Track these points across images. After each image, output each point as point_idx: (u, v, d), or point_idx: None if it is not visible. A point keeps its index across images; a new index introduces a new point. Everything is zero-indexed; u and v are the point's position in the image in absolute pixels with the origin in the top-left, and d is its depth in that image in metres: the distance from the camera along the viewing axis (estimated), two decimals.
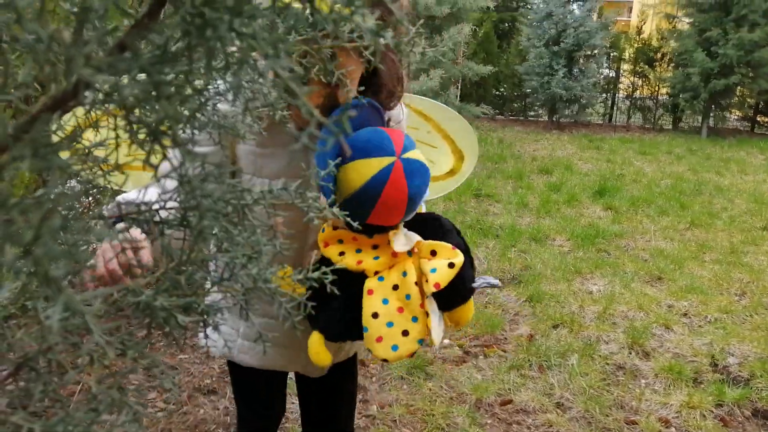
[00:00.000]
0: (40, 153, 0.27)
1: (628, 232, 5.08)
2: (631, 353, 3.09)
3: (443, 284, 1.14)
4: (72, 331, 0.53)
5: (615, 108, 12.58)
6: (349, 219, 1.10)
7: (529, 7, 13.49)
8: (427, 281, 1.16)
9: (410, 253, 1.20)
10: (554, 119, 11.41)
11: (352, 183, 1.12)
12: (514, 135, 10.27)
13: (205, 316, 0.60)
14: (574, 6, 11.08)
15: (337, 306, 1.19)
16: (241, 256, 0.63)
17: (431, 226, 1.27)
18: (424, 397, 2.63)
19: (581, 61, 11.03)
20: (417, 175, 1.15)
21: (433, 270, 1.15)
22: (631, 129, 11.89)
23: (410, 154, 1.15)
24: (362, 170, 1.12)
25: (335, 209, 0.79)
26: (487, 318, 3.34)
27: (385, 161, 1.12)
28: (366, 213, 1.15)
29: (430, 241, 1.21)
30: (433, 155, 1.91)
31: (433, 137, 1.95)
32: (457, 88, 8.94)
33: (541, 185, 6.61)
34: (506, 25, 13.65)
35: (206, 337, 0.66)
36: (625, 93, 12.63)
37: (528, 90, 11.38)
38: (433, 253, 1.20)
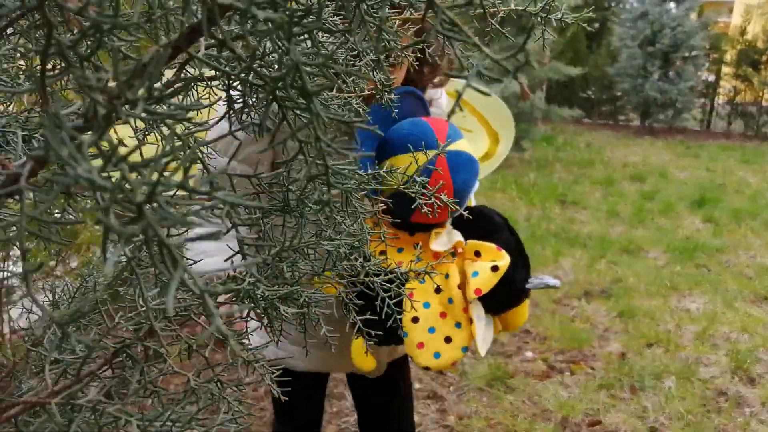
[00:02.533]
0: (153, 98, 0.22)
1: (730, 247, 4.69)
2: (734, 378, 2.82)
3: (485, 289, 1.06)
4: (171, 319, 0.49)
5: (714, 114, 11.77)
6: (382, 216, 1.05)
7: (622, 5, 12.89)
8: (469, 285, 1.07)
9: (454, 253, 1.12)
10: (647, 124, 10.82)
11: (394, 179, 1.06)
12: (603, 139, 9.81)
13: (306, 308, 0.55)
14: (671, 5, 10.48)
15: (378, 308, 1.12)
16: (345, 245, 0.58)
17: (480, 222, 1.18)
18: (504, 411, 2.51)
19: (678, 63, 10.40)
20: (463, 168, 1.07)
21: (475, 274, 1.07)
22: (732, 136, 11.07)
23: (455, 146, 1.07)
24: (405, 165, 1.03)
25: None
26: (574, 332, 3.16)
27: (429, 154, 1.04)
28: (409, 211, 1.06)
29: (474, 241, 1.12)
30: (470, 139, 1.84)
31: (468, 121, 1.86)
32: (542, 90, 8.65)
33: (633, 193, 6.25)
34: (596, 24, 13.12)
35: (304, 330, 0.61)
36: (726, 98, 11.79)
37: (619, 93, 10.86)
38: (477, 254, 1.12)
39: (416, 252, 1.13)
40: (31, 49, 0.74)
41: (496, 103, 1.85)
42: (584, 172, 7.19)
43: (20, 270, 2.16)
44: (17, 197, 0.29)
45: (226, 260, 0.49)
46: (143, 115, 0.21)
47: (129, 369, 0.47)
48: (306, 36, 0.27)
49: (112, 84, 0.27)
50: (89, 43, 0.26)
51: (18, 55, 0.75)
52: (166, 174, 0.22)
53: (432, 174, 1.04)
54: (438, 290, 1.10)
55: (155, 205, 0.20)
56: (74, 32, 0.27)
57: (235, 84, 0.33)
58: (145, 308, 0.46)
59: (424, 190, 0.62)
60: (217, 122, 0.37)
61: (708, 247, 4.57)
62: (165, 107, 0.23)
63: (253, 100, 0.34)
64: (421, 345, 1.07)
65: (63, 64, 0.29)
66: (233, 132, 0.35)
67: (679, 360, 2.95)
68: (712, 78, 11.62)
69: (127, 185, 0.20)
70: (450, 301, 1.09)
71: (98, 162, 0.21)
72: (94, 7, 0.26)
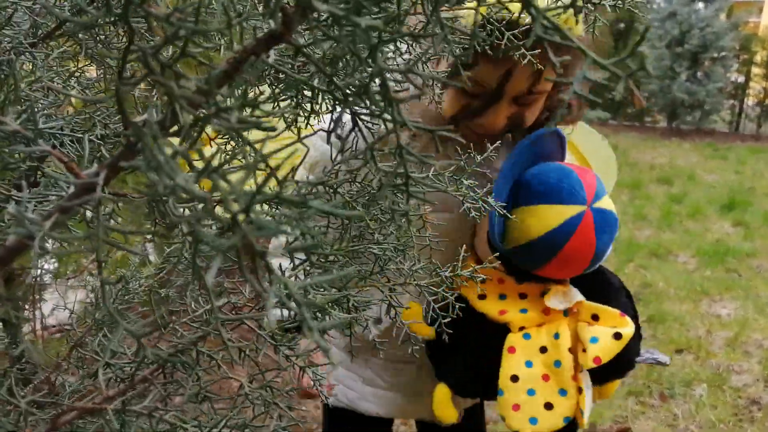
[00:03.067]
0: (247, 104, 0.21)
1: (762, 252, 4.58)
2: (767, 387, 2.75)
3: (605, 359, 0.94)
4: (222, 325, 0.49)
5: (743, 115, 11.53)
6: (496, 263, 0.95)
7: (650, 5, 12.70)
8: (584, 351, 0.96)
9: (566, 312, 1.01)
10: (674, 126, 10.64)
11: (531, 230, 0.95)
12: (629, 141, 9.67)
13: (356, 312, 0.55)
14: (700, 5, 10.29)
15: (470, 358, 1.03)
16: (392, 249, 0.57)
17: (597, 282, 1.05)
18: None
19: (706, 63, 10.21)
20: (607, 228, 0.96)
21: (594, 340, 0.95)
22: (761, 138, 10.82)
23: (602, 203, 0.95)
24: (546, 218, 0.93)
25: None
26: None
27: (573, 210, 0.93)
28: (538, 265, 0.98)
29: (593, 303, 1.01)
30: None
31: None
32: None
33: (660, 196, 6.15)
34: (622, 24, 12.94)
35: (350, 335, 0.60)
36: (755, 99, 11.53)
37: (645, 94, 10.69)
38: (595, 317, 1.00)
39: (522, 303, 1.02)
40: (78, 52, 0.74)
41: (602, 146, 1.74)
42: None
43: (51, 267, 2.19)
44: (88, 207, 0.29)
45: (295, 269, 0.48)
46: (235, 123, 0.21)
47: (182, 374, 0.46)
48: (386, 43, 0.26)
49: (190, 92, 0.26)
50: (171, 49, 0.26)
51: (67, 57, 0.75)
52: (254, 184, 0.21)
53: (576, 232, 0.93)
54: (543, 350, 0.99)
55: (247, 216, 0.19)
56: (153, 39, 0.26)
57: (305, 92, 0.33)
58: (198, 312, 0.46)
59: (483, 204, 0.61)
60: (305, 136, 0.37)
61: (738, 252, 4.48)
62: (253, 116, 0.23)
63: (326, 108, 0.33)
64: (516, 407, 0.97)
65: (139, 72, 0.29)
66: (302, 139, 0.35)
67: (709, 367, 2.89)
68: (741, 79, 11.38)
69: (220, 195, 0.19)
70: (557, 364, 0.98)
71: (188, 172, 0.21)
72: (178, 13, 0.25)
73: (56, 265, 2.05)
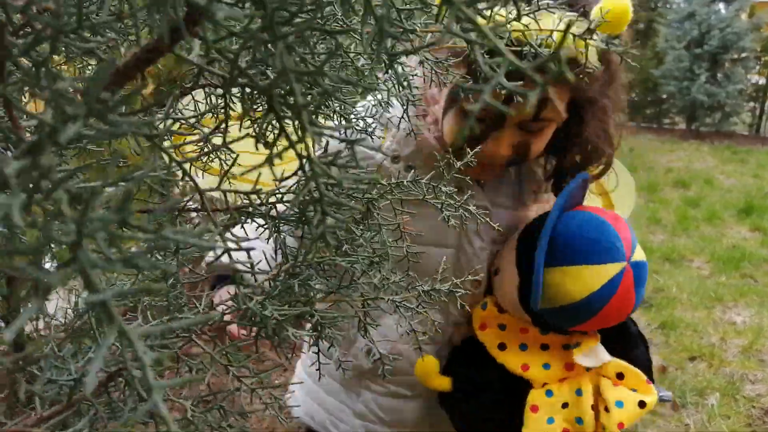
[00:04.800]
0: (95, 112, 0.18)
1: None
2: None
3: (627, 425, 0.92)
4: (170, 345, 0.46)
5: (764, 118, 11.30)
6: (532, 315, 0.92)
7: (669, 6, 12.52)
8: (607, 410, 0.93)
9: (588, 368, 0.97)
10: (693, 128, 10.47)
11: (572, 293, 0.89)
12: (647, 143, 9.52)
13: (319, 329, 0.51)
14: (720, 5, 10.11)
15: (489, 410, 1.00)
16: (363, 260, 0.53)
17: (616, 328, 1.00)
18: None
19: (726, 65, 10.03)
20: (644, 280, 0.92)
21: (620, 404, 0.92)
22: None
23: (638, 255, 0.91)
24: (588, 279, 0.88)
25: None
26: None
27: (615, 269, 0.88)
28: (575, 324, 0.94)
29: (620, 362, 0.98)
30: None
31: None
32: None
33: (676, 200, 6.03)
34: (641, 25, 12.77)
35: (317, 351, 0.56)
36: None
37: (664, 95, 10.54)
38: (620, 375, 0.97)
39: (544, 356, 0.99)
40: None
41: (621, 174, 1.64)
42: None
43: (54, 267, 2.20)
44: None
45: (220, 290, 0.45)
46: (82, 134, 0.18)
47: (123, 395, 0.43)
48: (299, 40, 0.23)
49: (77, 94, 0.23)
50: (45, 46, 0.23)
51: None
52: (101, 201, 0.18)
53: (617, 291, 0.88)
54: (565, 405, 0.97)
55: (93, 246, 0.16)
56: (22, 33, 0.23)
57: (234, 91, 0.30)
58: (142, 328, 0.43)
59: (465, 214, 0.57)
60: (210, 132, 0.34)
61: (755, 257, 4.37)
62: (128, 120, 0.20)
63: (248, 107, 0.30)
64: None
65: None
66: (228, 144, 0.31)
67: (723, 376, 2.81)
68: (762, 81, 11.16)
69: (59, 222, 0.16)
70: (579, 421, 0.95)
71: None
72: (49, 5, 0.22)
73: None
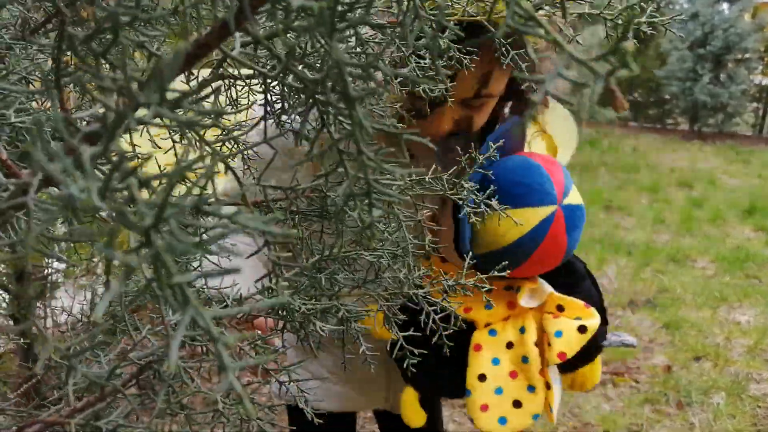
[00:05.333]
0: (168, 102, 0.18)
1: None
2: None
3: (570, 354, 0.91)
4: (196, 337, 0.47)
5: (767, 118, 11.29)
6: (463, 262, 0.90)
7: (672, 6, 12.51)
8: (549, 345, 0.92)
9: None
10: (696, 128, 10.45)
11: (502, 237, 0.90)
12: (649, 143, 9.52)
13: (345, 324, 0.52)
14: (724, 6, 10.10)
15: (435, 359, 0.98)
16: (387, 255, 0.54)
17: (560, 268, 0.99)
18: (544, 423, 2.43)
19: (730, 65, 10.01)
20: (577, 224, 0.91)
21: (559, 333, 0.91)
22: None
23: (571, 198, 0.91)
24: (519, 222, 0.87)
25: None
26: None
27: (546, 211, 0.88)
28: (511, 268, 0.91)
29: (557, 294, 0.97)
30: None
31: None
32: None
33: (680, 200, 6.03)
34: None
35: (343, 345, 0.57)
36: None
37: (667, 96, 10.53)
38: (560, 308, 0.96)
39: (483, 299, 0.97)
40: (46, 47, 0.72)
41: (558, 111, 1.66)
42: (629, 177, 6.99)
43: (63, 266, 2.20)
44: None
45: (257, 281, 0.46)
46: (155, 121, 0.18)
47: (154, 386, 0.44)
48: (351, 33, 0.23)
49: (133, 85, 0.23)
50: (106, 38, 0.23)
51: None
52: (178, 192, 0.18)
53: (548, 233, 0.88)
54: (510, 345, 0.96)
55: (167, 228, 0.17)
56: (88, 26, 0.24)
57: (273, 86, 0.30)
58: (173, 321, 0.43)
59: (475, 200, 0.58)
60: (252, 127, 0.34)
61: (759, 257, 4.36)
62: (184, 112, 0.20)
63: (293, 103, 0.31)
64: (485, 407, 0.94)
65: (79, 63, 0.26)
66: (268, 140, 0.32)
67: (728, 375, 2.81)
68: (765, 81, 11.15)
69: (134, 206, 0.17)
70: (524, 359, 0.94)
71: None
72: None
73: (65, 265, 2.05)
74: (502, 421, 0.93)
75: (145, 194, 0.18)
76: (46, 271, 2.24)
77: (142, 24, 0.24)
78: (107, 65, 0.31)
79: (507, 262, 0.87)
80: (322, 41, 0.24)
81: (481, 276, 0.74)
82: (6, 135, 0.42)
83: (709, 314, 3.44)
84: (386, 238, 0.58)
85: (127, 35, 0.24)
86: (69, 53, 0.63)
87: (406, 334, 0.63)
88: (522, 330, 0.95)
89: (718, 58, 9.86)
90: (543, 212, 0.88)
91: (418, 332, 0.87)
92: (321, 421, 0.62)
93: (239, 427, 0.43)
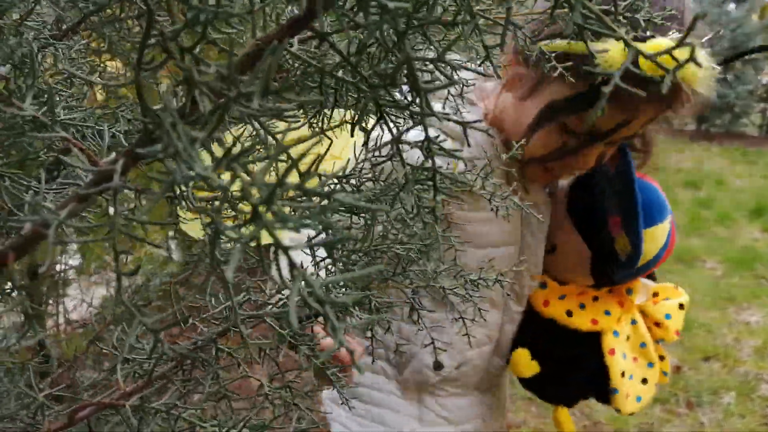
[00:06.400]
0: (270, 92, 0.20)
1: None
2: None
3: (680, 329, 1.08)
4: (242, 322, 0.48)
5: None
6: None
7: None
8: (659, 326, 1.08)
9: (630, 290, 1.12)
10: (702, 128, 10.43)
11: (649, 252, 1.01)
12: (656, 144, 9.48)
13: (377, 313, 0.53)
14: (731, 6, 10.07)
15: (575, 372, 1.12)
16: (417, 250, 0.55)
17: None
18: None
19: (737, 65, 9.98)
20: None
21: (668, 316, 1.08)
22: None
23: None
24: (659, 237, 1.01)
25: None
26: None
27: (668, 222, 1.03)
28: (639, 276, 1.09)
29: (651, 283, 1.13)
30: None
31: None
32: None
33: (687, 200, 6.02)
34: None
35: (372, 337, 0.58)
36: None
37: None
38: (655, 294, 1.12)
39: (600, 305, 1.13)
40: (100, 45, 0.74)
41: None
42: None
43: (76, 263, 2.22)
44: (107, 196, 0.28)
45: (316, 266, 0.47)
46: (258, 111, 0.20)
47: (201, 372, 0.46)
48: (420, 33, 0.24)
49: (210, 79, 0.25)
50: (190, 34, 0.25)
51: (90, 51, 0.75)
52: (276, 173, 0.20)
53: (670, 241, 1.03)
54: (627, 338, 1.11)
55: (268, 208, 0.18)
56: (172, 23, 0.25)
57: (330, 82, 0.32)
58: (218, 309, 0.45)
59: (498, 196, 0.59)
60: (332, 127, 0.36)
61: (767, 258, 4.37)
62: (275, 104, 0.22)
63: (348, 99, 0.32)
64: (627, 395, 1.09)
65: (158, 58, 0.27)
66: (324, 131, 0.34)
67: (738, 375, 2.82)
68: None
69: (240, 186, 0.18)
70: (642, 345, 1.11)
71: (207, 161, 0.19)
72: None
73: (80, 261, 2.07)
74: (639, 399, 1.10)
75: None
76: (58, 267, 2.27)
77: (224, 22, 0.25)
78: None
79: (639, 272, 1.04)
80: (387, 39, 0.26)
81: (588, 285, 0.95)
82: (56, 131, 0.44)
83: (718, 315, 3.44)
84: (414, 233, 0.60)
85: (211, 32, 0.25)
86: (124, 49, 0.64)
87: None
88: (633, 322, 1.10)
89: (725, 59, 9.84)
90: (668, 224, 1.02)
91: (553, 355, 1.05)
92: None
93: (283, 412, 0.45)
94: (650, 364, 1.11)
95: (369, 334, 0.57)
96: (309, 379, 0.49)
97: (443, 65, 0.24)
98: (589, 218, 1.04)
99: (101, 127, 0.38)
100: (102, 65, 0.69)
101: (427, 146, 0.25)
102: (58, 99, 0.49)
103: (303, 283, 0.19)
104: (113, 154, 0.30)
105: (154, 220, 0.28)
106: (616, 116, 0.87)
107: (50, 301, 2.31)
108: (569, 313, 1.09)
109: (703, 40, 0.86)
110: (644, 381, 1.11)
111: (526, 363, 1.11)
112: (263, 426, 0.42)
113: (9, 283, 0.54)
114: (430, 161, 0.27)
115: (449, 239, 0.60)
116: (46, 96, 0.34)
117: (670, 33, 0.80)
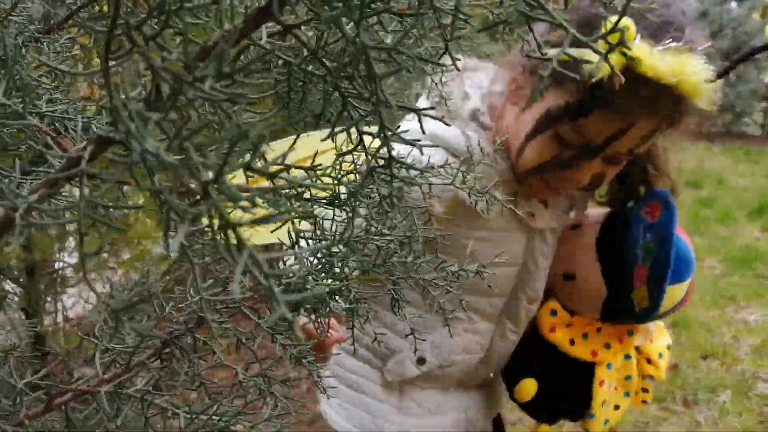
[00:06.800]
0: (223, 75, 0.21)
1: None
2: None
3: (668, 366, 1.16)
4: (220, 311, 0.49)
5: None
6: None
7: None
8: (649, 362, 1.15)
9: (630, 332, 1.16)
10: (703, 128, 10.41)
11: (666, 305, 1.03)
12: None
13: (356, 304, 0.54)
14: (732, 5, 10.05)
15: (567, 397, 1.17)
16: (396, 241, 0.56)
17: None
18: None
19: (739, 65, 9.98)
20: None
21: (660, 355, 1.15)
22: None
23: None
24: (675, 295, 1.03)
25: None
26: None
27: (689, 279, 1.04)
28: (647, 321, 1.13)
29: (653, 328, 1.18)
30: None
31: None
32: None
33: (688, 200, 6.01)
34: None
35: (352, 327, 0.59)
36: None
37: None
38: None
39: (601, 338, 1.17)
40: (89, 41, 0.75)
41: None
42: None
43: (74, 260, 2.23)
44: (76, 181, 0.29)
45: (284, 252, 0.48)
46: (210, 94, 0.20)
47: (177, 360, 0.46)
48: (375, 22, 0.25)
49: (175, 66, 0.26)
50: (154, 23, 0.25)
51: (76, 47, 0.76)
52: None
53: (687, 295, 1.06)
54: (618, 370, 1.17)
55: (217, 187, 0.19)
56: (134, 13, 0.26)
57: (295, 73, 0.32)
58: (196, 299, 0.46)
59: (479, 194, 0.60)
60: (275, 112, 0.36)
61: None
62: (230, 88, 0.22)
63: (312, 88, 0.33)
64: (600, 419, 1.16)
65: (125, 47, 0.28)
66: (293, 122, 0.34)
67: (735, 374, 2.82)
68: None
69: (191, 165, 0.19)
70: (628, 377, 1.16)
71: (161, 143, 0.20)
72: None
73: (77, 259, 2.08)
74: (606, 422, 1.16)
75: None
76: (57, 265, 2.28)
77: (186, 12, 0.26)
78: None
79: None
80: (345, 29, 0.27)
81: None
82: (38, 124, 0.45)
83: (717, 314, 3.44)
84: (395, 225, 0.60)
85: (175, 21, 0.26)
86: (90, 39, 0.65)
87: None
88: (627, 357, 1.15)
89: (726, 57, 9.83)
90: (689, 281, 1.04)
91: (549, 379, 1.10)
92: None
93: (257, 398, 0.45)
94: (626, 394, 1.17)
95: (349, 325, 0.58)
96: (287, 368, 0.50)
97: (399, 55, 0.25)
98: (615, 259, 1.04)
99: (74, 118, 0.38)
100: (88, 61, 0.70)
101: (383, 135, 0.26)
102: (40, 92, 0.50)
103: (249, 258, 0.20)
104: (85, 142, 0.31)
105: (121, 204, 0.28)
106: (608, 125, 0.85)
107: (48, 299, 2.32)
108: (572, 342, 1.13)
109: (700, 48, 0.86)
110: (616, 407, 1.17)
111: (530, 392, 1.15)
112: (237, 413, 0.42)
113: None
114: (386, 150, 0.28)
115: (430, 233, 0.61)
116: (20, 85, 0.35)
117: (666, 41, 0.80)
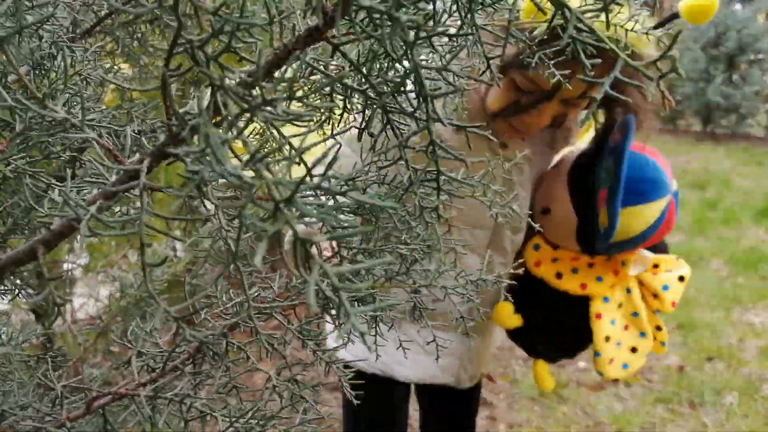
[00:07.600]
0: (293, 97, 0.22)
1: None
2: None
3: (677, 300, 1.09)
4: (252, 316, 0.50)
5: None
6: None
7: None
8: (655, 297, 1.10)
9: (624, 263, 1.14)
10: (708, 129, 10.40)
11: (631, 229, 1.02)
12: (661, 145, 9.42)
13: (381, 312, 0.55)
14: (737, 6, 10.03)
15: (559, 331, 1.16)
16: (419, 250, 0.57)
17: None
18: (557, 421, 2.45)
19: (743, 66, 9.95)
20: (678, 204, 1.07)
21: (666, 288, 1.09)
22: None
23: (674, 184, 1.06)
24: (648, 215, 1.01)
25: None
26: None
27: (664, 202, 1.02)
28: (627, 250, 1.10)
29: (652, 254, 1.14)
30: None
31: None
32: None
33: (693, 201, 6.01)
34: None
35: (375, 334, 0.60)
36: None
37: (679, 97, 10.47)
38: (655, 265, 1.13)
39: (594, 271, 1.16)
40: (114, 50, 0.76)
41: None
42: None
43: (82, 261, 2.24)
44: (134, 193, 0.30)
45: (327, 259, 0.49)
46: (280, 116, 0.21)
47: (210, 365, 0.47)
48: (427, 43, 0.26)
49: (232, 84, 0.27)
50: (216, 43, 0.26)
51: (103, 54, 0.77)
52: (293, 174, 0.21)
53: (665, 220, 1.03)
54: (620, 305, 1.14)
55: (289, 205, 0.20)
56: (198, 33, 0.27)
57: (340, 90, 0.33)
58: (230, 304, 0.47)
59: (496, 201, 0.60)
60: (336, 132, 0.37)
61: None
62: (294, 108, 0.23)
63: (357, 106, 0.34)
64: (611, 360, 1.12)
65: (184, 65, 0.29)
66: (335, 135, 0.35)
67: (741, 375, 2.82)
68: None
69: (265, 183, 0.20)
70: (634, 314, 1.13)
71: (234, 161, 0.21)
72: (224, 8, 0.26)
73: (87, 260, 2.10)
74: (625, 366, 1.13)
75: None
76: (65, 266, 2.29)
77: (245, 32, 0.27)
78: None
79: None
80: (396, 50, 0.28)
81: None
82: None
83: (722, 315, 3.44)
84: (417, 234, 0.61)
85: (234, 42, 0.27)
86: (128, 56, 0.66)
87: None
88: (628, 291, 1.12)
89: (731, 59, 9.81)
90: (662, 203, 1.01)
91: (538, 313, 1.05)
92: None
93: (290, 403, 0.46)
94: (642, 334, 1.13)
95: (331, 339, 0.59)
96: (316, 374, 0.51)
97: (447, 74, 0.26)
98: (582, 188, 1.06)
99: (116, 128, 0.39)
100: (117, 67, 0.71)
101: (432, 149, 0.27)
102: (78, 101, 0.51)
103: (319, 271, 0.21)
104: (137, 154, 0.32)
105: (175, 216, 0.29)
106: (552, 74, 0.91)
107: (58, 299, 2.32)
108: (559, 275, 1.12)
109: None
110: (633, 350, 1.13)
111: (508, 315, 1.13)
112: (272, 416, 0.43)
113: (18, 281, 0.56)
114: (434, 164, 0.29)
115: (450, 242, 0.62)
116: (72, 95, 0.36)
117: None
